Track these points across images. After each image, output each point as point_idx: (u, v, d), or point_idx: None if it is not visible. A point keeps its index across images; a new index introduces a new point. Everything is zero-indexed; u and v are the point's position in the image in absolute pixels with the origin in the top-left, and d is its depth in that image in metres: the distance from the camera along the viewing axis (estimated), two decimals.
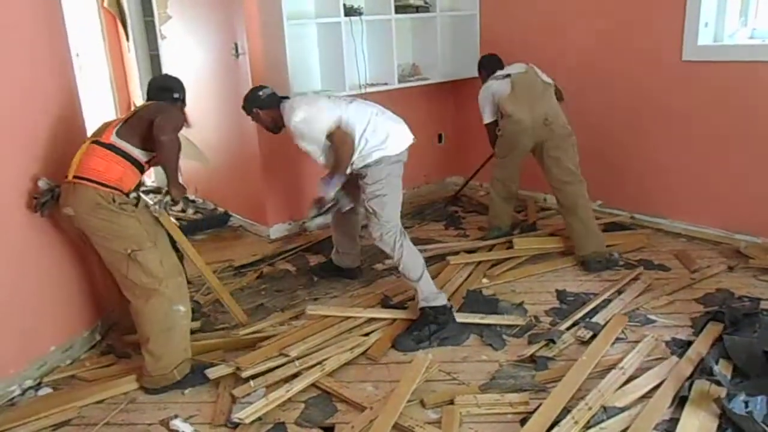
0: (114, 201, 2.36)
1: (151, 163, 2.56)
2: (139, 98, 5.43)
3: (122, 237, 2.36)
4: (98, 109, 5.49)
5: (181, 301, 2.49)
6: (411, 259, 2.81)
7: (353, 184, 2.98)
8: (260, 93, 3.04)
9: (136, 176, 2.50)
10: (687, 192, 3.76)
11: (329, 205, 3.06)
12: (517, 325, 2.85)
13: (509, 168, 3.65)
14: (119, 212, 2.36)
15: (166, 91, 2.65)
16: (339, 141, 2.79)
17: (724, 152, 3.54)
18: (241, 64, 3.94)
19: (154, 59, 5.16)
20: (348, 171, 2.87)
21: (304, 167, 4.21)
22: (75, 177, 2.37)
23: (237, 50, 3.92)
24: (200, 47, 4.38)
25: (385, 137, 2.83)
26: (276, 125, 3.03)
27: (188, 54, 4.55)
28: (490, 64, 3.74)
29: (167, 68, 4.90)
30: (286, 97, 3.07)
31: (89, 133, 2.63)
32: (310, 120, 2.81)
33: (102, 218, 2.34)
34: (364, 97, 4.00)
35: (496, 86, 3.56)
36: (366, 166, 2.83)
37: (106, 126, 2.50)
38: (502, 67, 3.67)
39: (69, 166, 2.42)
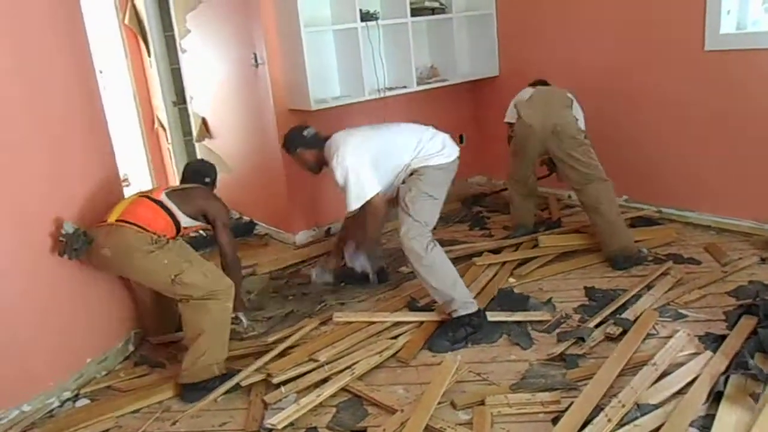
0: (153, 242, 2.52)
1: (188, 229, 2.80)
2: (162, 111, 5.52)
3: (161, 269, 2.50)
4: (122, 126, 5.59)
5: (230, 299, 2.60)
6: (443, 266, 2.79)
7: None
8: (305, 133, 3.08)
9: (173, 235, 2.69)
10: (714, 184, 3.70)
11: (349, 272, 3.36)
12: (547, 321, 2.84)
13: (523, 167, 3.66)
14: (155, 250, 2.51)
15: (199, 174, 2.98)
16: (372, 212, 2.91)
17: (751, 142, 3.47)
18: (260, 73, 3.98)
19: (176, 73, 5.24)
20: (401, 178, 2.94)
21: (327, 174, 4.23)
22: (117, 220, 2.54)
23: (256, 60, 3.97)
24: (220, 59, 4.44)
25: (441, 146, 2.91)
26: (318, 165, 3.09)
27: (209, 66, 4.62)
28: (533, 84, 3.83)
29: (188, 81, 4.97)
30: (328, 137, 3.07)
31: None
32: (355, 180, 2.83)
33: (140, 259, 2.50)
34: (384, 101, 4.04)
35: (523, 92, 3.66)
36: (425, 167, 2.87)
37: (150, 190, 2.83)
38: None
39: (108, 210, 2.62)
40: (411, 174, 2.91)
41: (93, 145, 2.88)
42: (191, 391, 2.51)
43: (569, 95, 3.53)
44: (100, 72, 5.49)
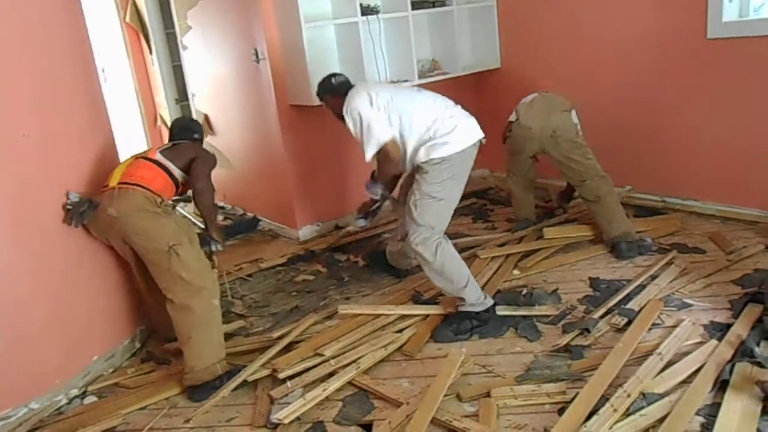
0: (158, 203, 2.57)
1: (186, 186, 2.83)
2: (164, 110, 5.53)
3: (162, 234, 2.53)
4: (126, 122, 5.60)
5: (216, 295, 2.61)
6: (454, 266, 2.73)
7: (408, 184, 3.00)
8: (333, 79, 3.06)
9: (173, 192, 2.77)
10: (718, 173, 3.68)
11: (375, 206, 3.30)
12: (554, 318, 2.84)
13: (520, 164, 3.68)
14: (160, 213, 2.56)
15: (187, 131, 3.03)
16: (385, 156, 2.82)
17: (754, 130, 3.45)
18: (262, 69, 3.98)
19: (177, 70, 5.25)
20: (409, 166, 2.87)
21: (331, 168, 4.25)
22: (120, 183, 2.58)
23: (257, 55, 3.97)
24: (221, 55, 4.44)
25: (452, 128, 2.72)
26: (341, 114, 2.92)
27: (210, 62, 4.62)
28: None
29: (190, 78, 4.98)
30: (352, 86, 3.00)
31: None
32: (369, 128, 2.74)
33: (144, 219, 2.53)
34: None
35: (528, 96, 3.66)
36: (428, 162, 2.72)
37: (144, 151, 2.86)
38: None
39: (108, 176, 2.66)
40: (417, 169, 2.81)
41: (97, 143, 2.89)
42: (197, 391, 2.52)
43: (567, 102, 3.54)
44: (102, 71, 5.54)
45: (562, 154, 3.42)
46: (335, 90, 3.01)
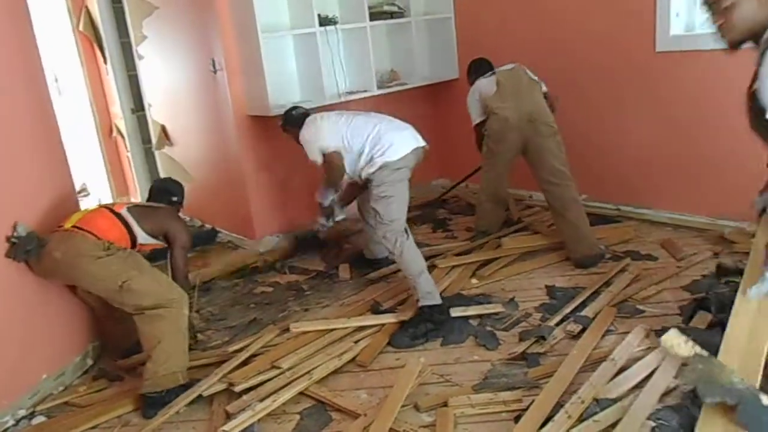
0: (105, 248, 2.51)
1: (144, 247, 2.76)
2: (120, 120, 5.42)
3: (109, 274, 2.48)
4: (80, 133, 5.47)
5: (186, 305, 2.60)
6: (411, 257, 2.93)
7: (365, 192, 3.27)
8: (293, 112, 3.37)
9: (128, 247, 2.67)
10: (670, 182, 3.79)
11: (328, 213, 3.47)
12: (503, 314, 2.93)
13: (497, 168, 3.62)
14: (103, 257, 2.49)
15: (167, 193, 2.96)
16: (328, 166, 3.14)
17: (703, 141, 3.56)
18: (219, 79, 3.94)
19: (133, 79, 5.15)
20: (362, 178, 3.11)
21: (289, 179, 4.22)
22: (74, 227, 2.54)
23: (215, 66, 3.93)
24: (178, 65, 4.38)
25: (388, 145, 2.98)
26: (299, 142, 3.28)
27: (167, 72, 4.56)
28: (477, 69, 3.75)
29: (147, 88, 4.90)
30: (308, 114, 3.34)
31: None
32: (311, 141, 3.15)
33: (89, 263, 2.47)
34: (345, 105, 4.03)
35: (483, 85, 3.59)
36: (374, 173, 3.00)
37: (112, 203, 2.94)
38: (491, 69, 3.67)
39: (66, 218, 2.62)
40: (368, 182, 3.06)
41: (46, 156, 2.82)
42: (150, 405, 2.45)
43: (532, 75, 3.52)
44: (56, 80, 5.41)
45: (539, 142, 3.37)
46: (294, 121, 3.31)
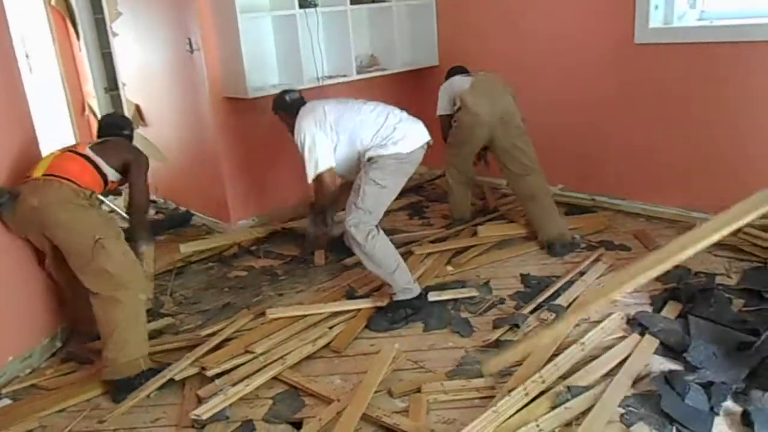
0: (87, 196, 2.53)
1: (114, 184, 2.82)
2: (93, 99, 5.31)
3: (88, 226, 2.45)
4: (52, 110, 5.35)
5: (143, 290, 2.58)
6: (384, 252, 2.79)
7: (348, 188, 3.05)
8: (287, 96, 3.26)
9: (102, 188, 2.72)
10: (644, 173, 3.83)
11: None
12: (477, 299, 2.95)
13: (462, 157, 3.69)
14: (86, 206, 2.51)
15: (116, 128, 3.01)
16: (321, 187, 3.07)
17: (677, 133, 3.61)
18: (196, 59, 3.87)
19: (107, 57, 5.05)
20: (366, 157, 2.93)
21: (266, 162, 4.18)
22: (46, 175, 2.50)
23: (191, 46, 3.85)
24: (154, 44, 4.29)
25: (402, 136, 2.88)
26: (292, 130, 3.14)
27: (142, 51, 4.46)
28: (454, 71, 3.85)
29: (121, 66, 4.79)
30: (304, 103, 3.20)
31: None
32: (311, 150, 2.97)
33: (69, 211, 2.45)
34: (323, 89, 3.99)
35: (457, 80, 3.67)
36: (380, 156, 2.86)
37: (73, 145, 2.82)
38: (468, 73, 3.76)
39: (32, 168, 2.57)
40: (367, 161, 2.90)
41: (7, 108, 2.72)
42: (119, 390, 2.42)
43: (507, 84, 3.58)
44: (27, 56, 5.26)
45: (509, 141, 3.41)
46: (288, 107, 3.20)
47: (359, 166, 2.96)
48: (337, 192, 3.15)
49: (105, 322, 2.44)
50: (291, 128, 3.14)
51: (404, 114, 3.04)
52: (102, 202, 2.75)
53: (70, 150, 2.70)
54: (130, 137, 3.04)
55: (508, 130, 3.42)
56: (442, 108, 3.74)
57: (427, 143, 3.00)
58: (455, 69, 3.87)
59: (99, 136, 2.98)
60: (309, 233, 3.66)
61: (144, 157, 2.85)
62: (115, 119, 3.14)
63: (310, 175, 3.00)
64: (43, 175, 2.49)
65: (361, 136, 2.93)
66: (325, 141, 2.97)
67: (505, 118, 3.41)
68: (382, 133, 2.90)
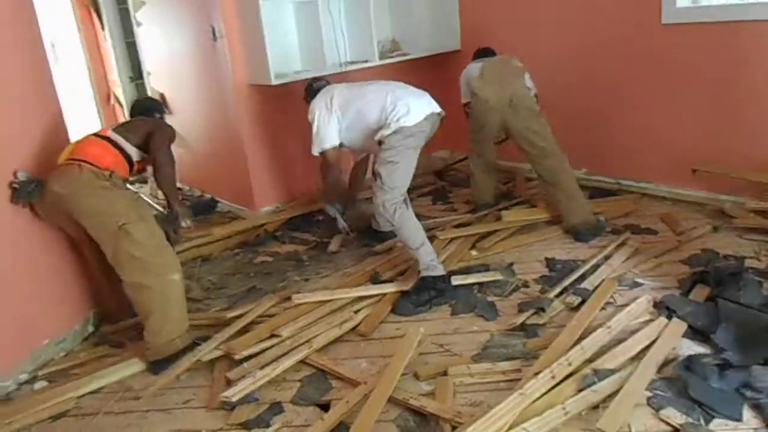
0: (109, 177, 2.53)
1: (141, 164, 2.78)
2: (118, 88, 5.37)
3: (112, 211, 2.46)
4: (78, 100, 5.43)
5: (175, 270, 2.54)
6: (411, 228, 2.91)
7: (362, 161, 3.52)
8: (314, 84, 3.44)
9: (126, 171, 2.69)
10: (670, 156, 3.77)
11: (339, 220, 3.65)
12: (507, 285, 2.95)
13: (483, 143, 3.69)
14: (108, 187, 2.51)
15: (147, 110, 2.96)
16: (326, 166, 3.33)
17: (705, 115, 3.55)
18: (219, 47, 3.90)
19: (131, 47, 5.11)
20: (377, 138, 3.03)
21: (290, 149, 4.20)
22: (68, 160, 2.53)
23: (215, 34, 3.88)
24: (177, 32, 4.33)
25: (405, 111, 2.95)
26: None
27: (166, 39, 4.50)
28: (476, 55, 3.86)
29: (145, 56, 4.84)
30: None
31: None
32: (318, 129, 3.21)
33: (91, 195, 2.46)
34: (346, 75, 4.00)
35: (470, 68, 3.67)
36: (388, 135, 2.95)
37: (98, 130, 2.80)
38: (488, 56, 3.75)
39: (58, 155, 2.60)
40: (379, 145, 3.00)
41: (35, 98, 2.77)
42: (157, 364, 2.51)
43: (520, 64, 3.55)
44: (52, 46, 5.34)
45: (522, 124, 3.41)
46: (313, 93, 3.37)
47: (375, 141, 3.06)
48: (340, 167, 3.32)
49: (141, 307, 2.51)
50: None
51: (408, 90, 3.12)
52: (125, 182, 2.73)
53: (94, 135, 2.72)
54: (162, 118, 3.01)
55: (518, 112, 3.41)
56: (463, 95, 3.76)
57: (438, 114, 3.07)
58: (481, 51, 3.86)
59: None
60: (328, 213, 3.73)
61: (169, 127, 2.80)
62: (145, 102, 3.14)
63: (314, 151, 3.26)
64: (66, 160, 2.55)
65: (367, 118, 3.08)
66: (331, 122, 3.18)
67: (514, 101, 3.40)
68: (387, 110, 2.99)
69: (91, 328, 2.92)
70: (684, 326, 2.41)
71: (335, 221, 3.68)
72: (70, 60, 5.45)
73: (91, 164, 2.51)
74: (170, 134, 2.76)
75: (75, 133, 3.05)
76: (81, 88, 5.48)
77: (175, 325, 2.53)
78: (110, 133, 2.68)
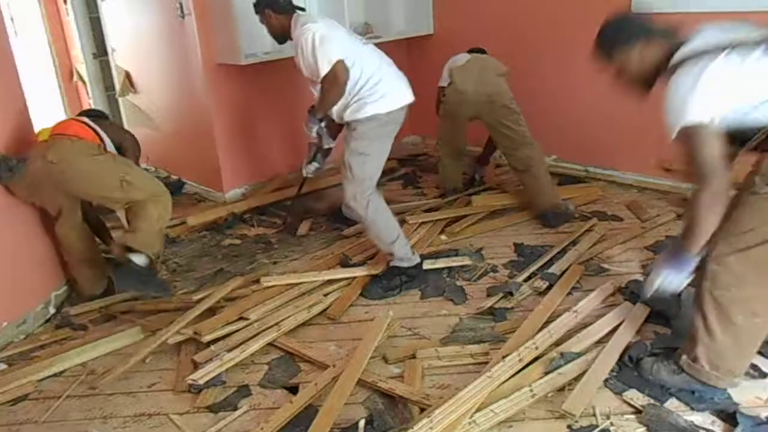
0: (99, 150, 2.69)
1: None
2: (81, 64, 5.22)
3: (109, 172, 2.62)
4: (39, 77, 5.26)
5: (169, 199, 2.76)
6: (384, 222, 2.80)
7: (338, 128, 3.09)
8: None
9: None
10: (637, 144, 3.82)
11: (316, 147, 3.15)
12: (470, 267, 2.97)
13: (453, 131, 3.70)
14: (98, 157, 2.65)
15: (100, 115, 3.07)
16: (330, 81, 2.63)
17: None
18: (187, 24, 3.80)
19: (95, 22, 4.94)
20: (340, 119, 2.79)
21: (259, 129, 4.15)
22: (55, 134, 2.64)
23: (182, 11, 3.78)
24: (143, 8, 4.20)
25: (384, 93, 2.68)
26: (283, 34, 2.83)
27: (131, 15, 4.37)
28: (471, 51, 3.77)
29: (110, 32, 4.70)
30: (302, 9, 2.90)
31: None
32: (321, 43, 2.59)
33: (87, 163, 2.59)
34: None
35: (459, 57, 3.64)
36: (357, 121, 2.70)
37: (70, 117, 2.98)
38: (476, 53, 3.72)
39: (36, 136, 2.71)
40: (347, 126, 2.79)
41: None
42: (123, 277, 2.65)
43: (505, 68, 3.57)
44: (11, 20, 5.15)
45: (495, 119, 3.45)
46: (279, 7, 2.80)
47: (348, 101, 2.73)
48: (344, 87, 2.68)
49: (140, 210, 2.64)
50: (276, 31, 2.85)
51: (394, 70, 2.84)
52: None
53: (72, 118, 2.86)
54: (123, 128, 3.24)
55: (495, 109, 3.44)
56: (442, 80, 3.71)
57: (411, 104, 2.81)
58: (474, 50, 3.77)
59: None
60: (309, 173, 3.29)
61: (138, 146, 3.00)
62: (97, 112, 3.15)
63: (324, 69, 2.60)
64: (52, 135, 2.63)
65: (353, 71, 2.66)
66: (339, 38, 2.67)
67: (493, 97, 3.43)
68: (373, 79, 2.68)
69: (52, 310, 2.85)
70: (647, 311, 2.46)
71: (316, 144, 3.15)
72: (30, 35, 5.26)
73: (79, 138, 2.64)
74: (138, 152, 2.98)
75: (38, 114, 3.03)
76: (42, 64, 5.30)
77: (160, 241, 2.74)
78: (85, 119, 2.80)
